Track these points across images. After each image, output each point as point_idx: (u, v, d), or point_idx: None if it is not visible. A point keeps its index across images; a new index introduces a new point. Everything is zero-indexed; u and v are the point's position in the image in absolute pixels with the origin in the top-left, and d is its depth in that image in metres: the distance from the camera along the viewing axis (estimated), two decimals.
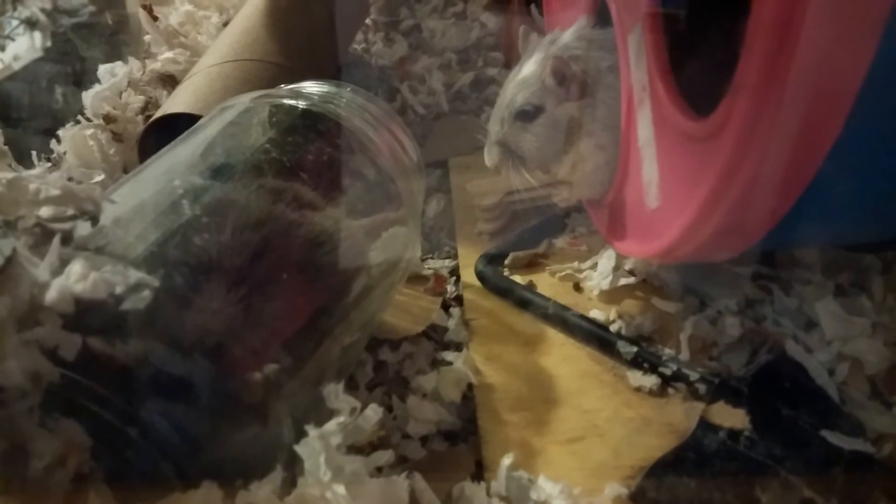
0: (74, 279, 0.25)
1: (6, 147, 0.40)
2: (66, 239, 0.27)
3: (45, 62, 0.73)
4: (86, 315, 0.25)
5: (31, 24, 0.76)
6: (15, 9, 0.78)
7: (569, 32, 0.47)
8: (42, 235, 0.27)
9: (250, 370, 0.29)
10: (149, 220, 0.32)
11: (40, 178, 0.29)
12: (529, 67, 0.47)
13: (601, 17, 0.46)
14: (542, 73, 0.45)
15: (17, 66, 0.71)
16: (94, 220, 0.29)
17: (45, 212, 0.28)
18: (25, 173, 0.30)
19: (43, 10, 0.77)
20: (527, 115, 0.46)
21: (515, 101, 0.46)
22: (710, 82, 0.33)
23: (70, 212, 0.28)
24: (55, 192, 0.28)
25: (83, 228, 0.29)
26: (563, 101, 0.45)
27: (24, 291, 0.24)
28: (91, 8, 0.80)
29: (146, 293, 0.26)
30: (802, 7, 0.24)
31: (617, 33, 0.43)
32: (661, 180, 0.38)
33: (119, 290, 0.25)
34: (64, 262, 0.26)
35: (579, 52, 0.45)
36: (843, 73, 0.26)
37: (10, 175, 0.28)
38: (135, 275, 0.26)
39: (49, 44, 0.75)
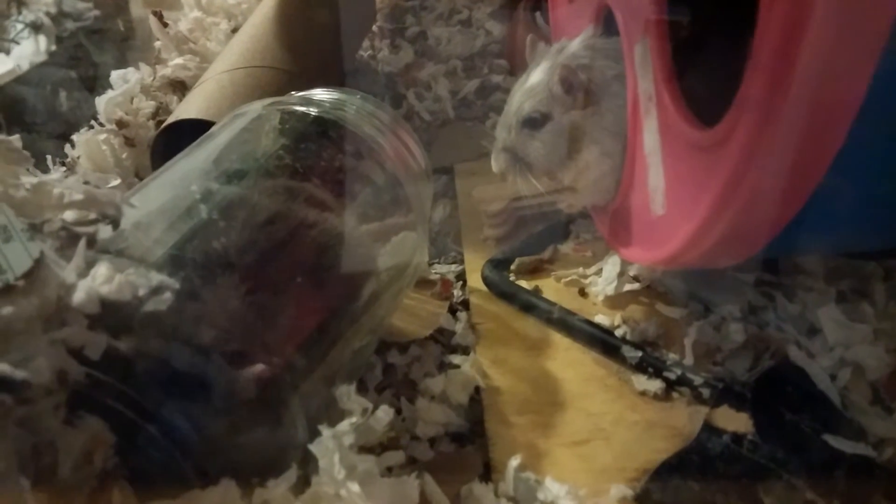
0: (100, 281, 0.25)
1: (26, 152, 0.40)
2: (90, 242, 0.28)
3: (56, 67, 0.73)
4: (110, 316, 0.26)
5: (35, 27, 0.76)
6: (20, 12, 0.78)
7: (576, 41, 0.47)
8: (67, 238, 0.28)
9: (265, 369, 0.30)
10: (167, 224, 0.33)
11: (62, 183, 0.30)
12: (537, 76, 0.47)
13: (608, 26, 0.47)
14: (550, 82, 0.46)
15: (21, 70, 0.72)
16: (116, 223, 0.30)
17: (68, 215, 0.28)
18: (48, 177, 0.30)
19: (48, 14, 0.78)
20: (534, 123, 0.47)
21: (523, 108, 0.47)
22: (716, 92, 0.33)
23: (92, 216, 0.29)
24: (78, 196, 0.29)
25: (105, 232, 0.29)
26: (569, 110, 0.46)
27: (52, 292, 0.25)
28: (96, 12, 0.80)
29: (167, 295, 0.27)
30: (807, 21, 0.25)
31: (623, 43, 0.44)
32: (666, 188, 0.39)
33: (142, 292, 0.26)
34: (87, 265, 0.27)
35: (586, 60, 0.46)
36: (846, 87, 0.27)
37: (34, 180, 0.29)
38: (156, 277, 0.27)
39: (54, 48, 0.75)
